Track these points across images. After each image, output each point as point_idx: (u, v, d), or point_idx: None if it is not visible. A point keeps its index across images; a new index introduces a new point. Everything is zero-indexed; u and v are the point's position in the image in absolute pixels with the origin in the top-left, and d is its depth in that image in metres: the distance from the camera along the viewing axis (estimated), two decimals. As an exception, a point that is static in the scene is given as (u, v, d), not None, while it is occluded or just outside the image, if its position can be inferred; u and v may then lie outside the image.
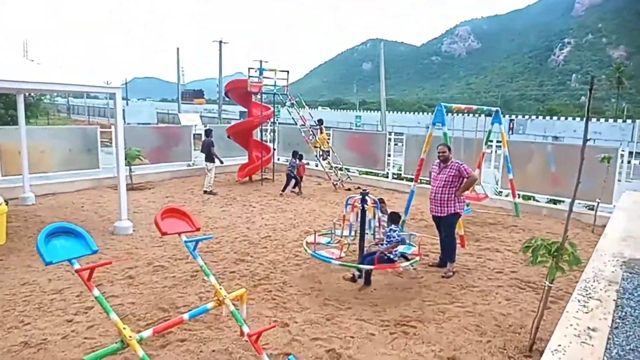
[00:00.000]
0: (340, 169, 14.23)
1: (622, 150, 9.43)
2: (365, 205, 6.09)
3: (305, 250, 6.27)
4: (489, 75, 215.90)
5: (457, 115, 9.45)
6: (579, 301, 3.37)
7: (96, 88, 7.95)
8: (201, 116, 35.78)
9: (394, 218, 6.16)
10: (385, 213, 6.78)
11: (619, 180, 9.52)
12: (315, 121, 14.67)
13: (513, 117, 38.04)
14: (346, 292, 5.68)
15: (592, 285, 3.75)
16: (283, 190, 12.05)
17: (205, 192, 12.22)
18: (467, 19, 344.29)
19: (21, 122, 9.89)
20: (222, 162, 12.54)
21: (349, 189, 12.97)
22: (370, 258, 5.70)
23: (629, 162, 13.82)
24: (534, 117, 38.31)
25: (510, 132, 33.89)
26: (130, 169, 12.34)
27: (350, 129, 36.38)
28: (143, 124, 30.48)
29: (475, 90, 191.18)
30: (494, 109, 9.51)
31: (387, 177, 13.76)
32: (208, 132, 12.51)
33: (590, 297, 3.45)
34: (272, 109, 14.04)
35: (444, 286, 5.96)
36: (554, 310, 5.14)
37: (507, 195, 10.88)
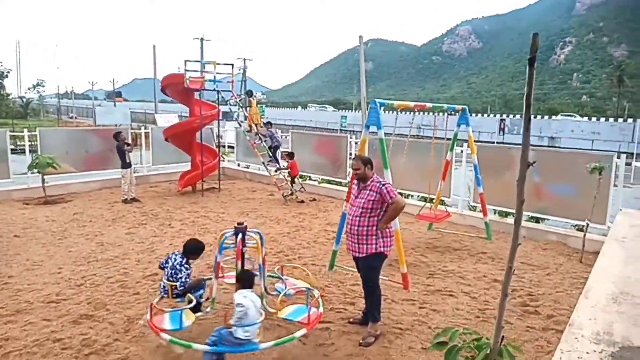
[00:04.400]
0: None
1: (618, 159, 7.54)
2: (245, 246, 4.26)
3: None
4: (490, 74, 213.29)
5: (424, 113, 7.68)
6: None
7: None
8: (180, 116, 33.93)
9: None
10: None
11: (615, 196, 7.63)
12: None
13: (504, 117, 35.89)
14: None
15: None
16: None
17: (124, 201, 10.49)
18: (468, 18, 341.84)
19: None
20: (129, 166, 10.81)
21: (302, 201, 11.13)
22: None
23: (629, 164, 11.95)
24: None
25: (501, 133, 31.86)
26: (43, 180, 10.52)
27: (326, 129, 34.31)
28: (114, 125, 28.72)
29: (476, 90, 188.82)
30: (458, 107, 7.64)
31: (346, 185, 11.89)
32: (116, 135, 10.72)
33: None
34: (217, 107, 12.23)
35: (357, 361, 4.12)
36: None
37: (480, 211, 9.02)
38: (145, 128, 14.12)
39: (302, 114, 67.55)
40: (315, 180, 12.77)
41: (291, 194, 11.28)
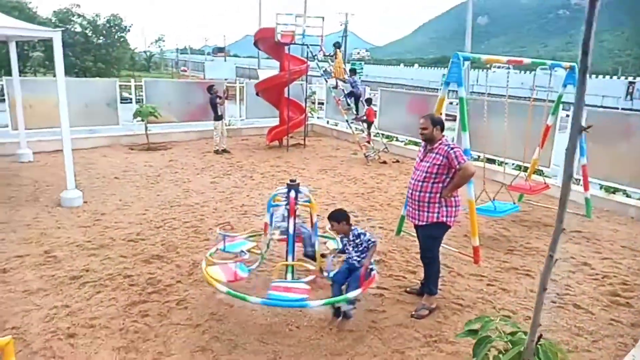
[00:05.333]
0: (375, 135, 11.99)
1: None
2: (296, 204, 4.17)
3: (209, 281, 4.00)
4: (626, 31, 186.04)
5: (523, 72, 6.85)
6: None
7: (31, 32, 6.75)
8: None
9: (338, 216, 4.12)
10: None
11: None
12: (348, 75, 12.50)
13: (632, 79, 30.93)
14: (252, 325, 3.92)
15: None
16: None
17: (216, 151, 11.04)
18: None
19: (14, 72, 9.21)
20: (221, 118, 11.26)
21: (384, 162, 10.81)
22: (353, 277, 3.94)
23: None
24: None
25: (630, 98, 27.60)
26: (146, 128, 11.41)
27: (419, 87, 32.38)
28: (219, 79, 30.13)
29: (608, 49, 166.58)
30: (565, 64, 6.66)
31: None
32: (209, 89, 11.09)
33: None
34: (307, 62, 12.12)
35: (406, 333, 3.93)
36: None
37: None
38: (240, 83, 14.52)
39: (404, 71, 65.21)
40: (402, 142, 12.29)
41: (373, 154, 10.99)
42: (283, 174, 9.42)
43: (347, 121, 11.69)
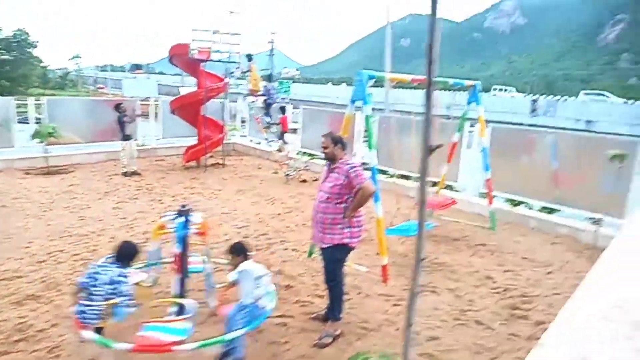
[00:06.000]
0: (298, 153, 11.89)
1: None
2: (186, 231, 3.84)
3: None
4: (533, 53, 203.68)
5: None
6: None
7: None
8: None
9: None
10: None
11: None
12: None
13: (536, 97, 33.71)
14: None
15: None
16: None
17: (124, 174, 10.34)
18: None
19: None
20: (129, 138, 10.63)
21: (305, 181, 10.68)
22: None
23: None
24: (566, 97, 33.91)
25: (533, 114, 30.03)
26: (45, 149, 10.45)
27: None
28: (138, 97, 28.68)
29: (518, 69, 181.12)
30: (468, 82, 6.92)
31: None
32: (117, 107, 10.45)
33: None
34: (225, 79, 11.81)
35: (305, 365, 3.69)
36: None
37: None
38: (156, 100, 13.85)
39: (332, 90, 66.43)
40: (324, 159, 12.25)
41: (294, 173, 10.82)
42: (197, 196, 8.96)
43: (266, 139, 11.46)
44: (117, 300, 3.38)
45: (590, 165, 7.10)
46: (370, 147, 5.25)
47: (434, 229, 7.21)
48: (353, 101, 5.45)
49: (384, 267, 5.10)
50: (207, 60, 11.29)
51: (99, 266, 3.52)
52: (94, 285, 3.38)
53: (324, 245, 4.06)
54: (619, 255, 4.22)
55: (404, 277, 5.50)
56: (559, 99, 32.83)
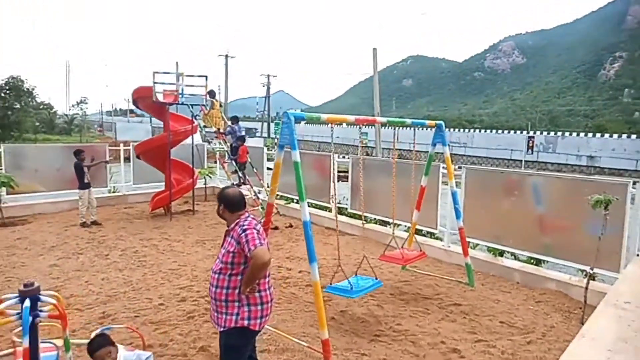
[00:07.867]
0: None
1: (634, 188, 5.82)
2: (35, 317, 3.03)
3: None
4: (534, 90, 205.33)
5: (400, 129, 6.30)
6: None
7: None
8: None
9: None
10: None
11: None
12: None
13: (532, 133, 33.05)
14: None
15: None
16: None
17: (82, 224, 9.66)
18: (511, 34, 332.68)
19: None
20: (88, 187, 10.00)
21: (276, 228, 9.90)
22: None
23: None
24: (567, 134, 33.12)
25: (530, 152, 29.26)
26: (-1, 200, 9.84)
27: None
28: (134, 141, 28.45)
29: (520, 106, 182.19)
30: (430, 122, 6.24)
31: (331, 211, 10.53)
32: (76, 153, 9.87)
33: None
34: (194, 122, 11.28)
35: None
36: None
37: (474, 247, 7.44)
38: (126, 145, 13.33)
39: (334, 130, 66.40)
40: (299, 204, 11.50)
41: (261, 219, 10.03)
42: (150, 249, 8.19)
43: (233, 184, 10.77)
44: None
45: (579, 210, 6.26)
46: (302, 198, 4.53)
47: (401, 283, 6.38)
48: (281, 146, 4.78)
49: (325, 342, 4.23)
50: (173, 103, 10.79)
51: None
52: None
53: (220, 329, 3.22)
54: (607, 322, 3.24)
55: (353, 350, 4.63)
56: (558, 136, 32.17)
